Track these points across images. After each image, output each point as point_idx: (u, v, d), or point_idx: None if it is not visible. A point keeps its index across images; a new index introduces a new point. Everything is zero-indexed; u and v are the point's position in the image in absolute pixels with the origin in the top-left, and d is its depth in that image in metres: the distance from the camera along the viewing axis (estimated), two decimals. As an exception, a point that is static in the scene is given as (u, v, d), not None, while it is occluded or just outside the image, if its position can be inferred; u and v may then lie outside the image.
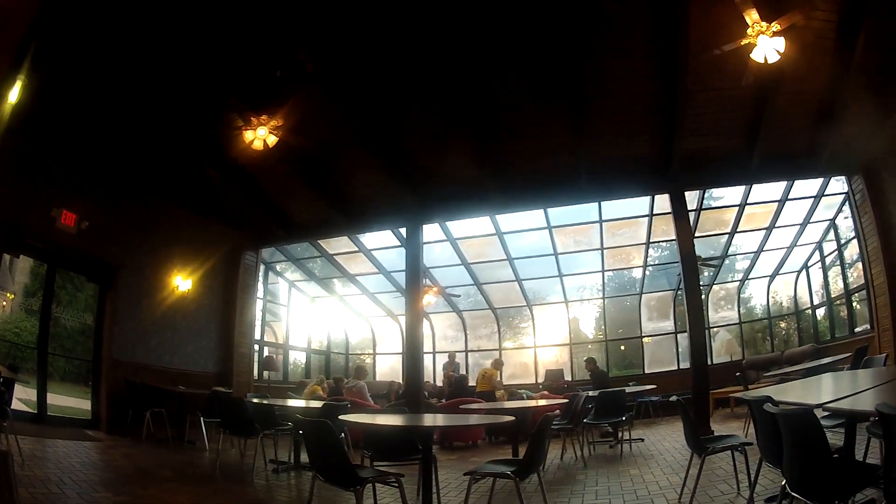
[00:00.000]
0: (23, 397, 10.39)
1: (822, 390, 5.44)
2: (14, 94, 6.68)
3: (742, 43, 7.41)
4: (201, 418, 10.38)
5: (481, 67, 9.36)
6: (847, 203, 12.64)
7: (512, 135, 10.99)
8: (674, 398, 6.73)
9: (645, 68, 9.36)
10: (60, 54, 7.90)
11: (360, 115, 10.45)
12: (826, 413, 3.85)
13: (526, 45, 9.03)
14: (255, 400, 9.85)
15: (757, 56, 7.37)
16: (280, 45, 8.76)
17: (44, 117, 9.10)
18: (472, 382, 15.75)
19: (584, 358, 16.35)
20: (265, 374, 16.89)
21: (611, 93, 9.88)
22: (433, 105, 10.35)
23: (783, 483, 3.80)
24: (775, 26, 7.14)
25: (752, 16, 7.14)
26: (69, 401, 12.24)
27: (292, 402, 10.46)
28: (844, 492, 3.43)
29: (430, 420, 7.28)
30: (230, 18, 8.17)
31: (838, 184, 13.22)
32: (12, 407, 8.36)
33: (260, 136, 9.08)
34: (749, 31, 7.29)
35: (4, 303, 16.48)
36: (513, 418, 6.57)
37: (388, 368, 22.34)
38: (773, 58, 7.33)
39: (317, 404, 9.20)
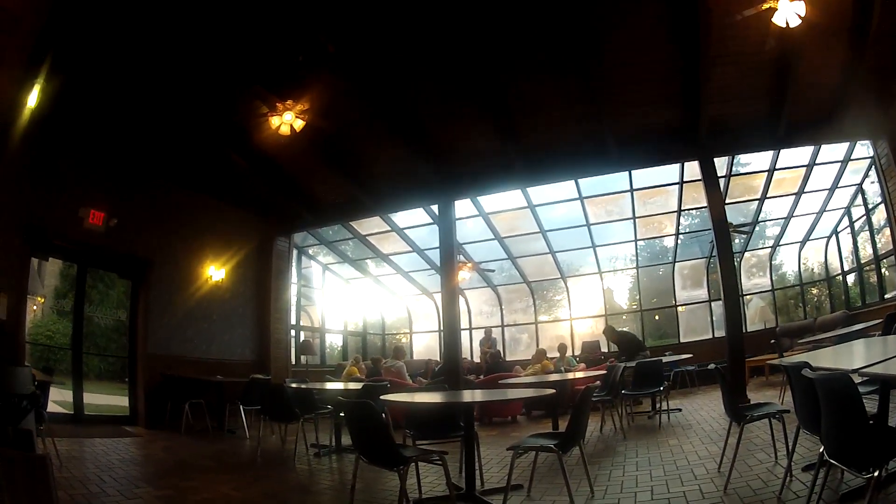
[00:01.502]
0: (59, 399, 10.45)
1: (856, 356, 5.35)
2: (33, 99, 6.62)
3: (763, 7, 7.22)
4: (240, 406, 10.38)
5: (497, 40, 9.19)
6: (873, 167, 12.34)
7: (533, 107, 10.85)
8: (711, 366, 6.59)
9: (665, 34, 9.18)
10: (80, 51, 7.88)
11: (381, 95, 10.36)
12: (859, 380, 3.70)
13: (542, 16, 8.83)
14: (294, 385, 9.81)
15: (778, 20, 7.15)
16: (300, 29, 8.64)
17: (66, 117, 9.12)
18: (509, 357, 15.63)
19: (602, 330, 15.87)
20: (302, 358, 16.90)
21: (631, 60, 9.68)
22: (453, 81, 10.24)
23: (821, 450, 3.70)
24: (796, -11, 6.93)
25: (773, -21, 6.95)
26: (106, 399, 12.33)
27: (331, 385, 10.39)
28: (880, 458, 3.30)
29: (470, 396, 7.17)
30: (249, 5, 8.06)
31: (864, 148, 13.00)
32: (49, 409, 8.39)
33: (287, 120, 9.00)
34: (770, -6, 7.09)
35: (35, 307, 16.63)
36: (553, 391, 6.42)
37: (424, 347, 22.35)
38: (795, 22, 7.13)
39: (356, 386, 9.11)
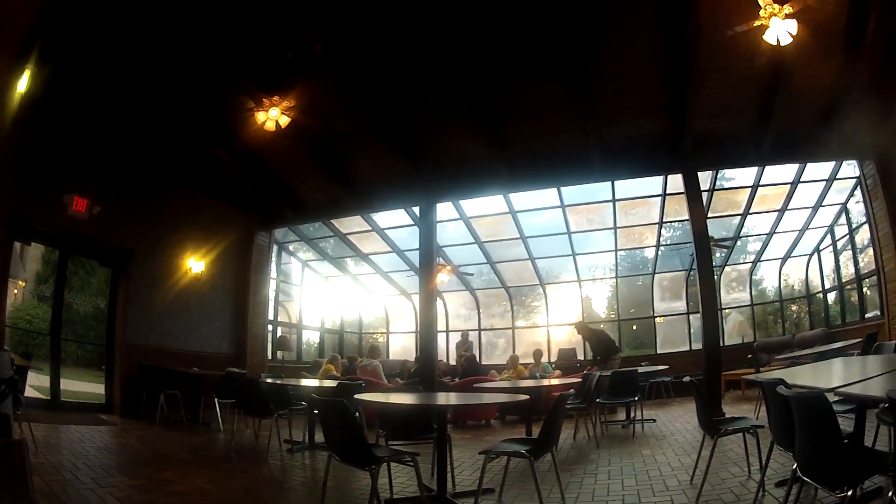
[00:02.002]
0: (36, 384, 10.43)
1: (834, 375, 5.41)
2: (23, 84, 6.66)
3: (754, 24, 7.32)
4: (216, 400, 10.40)
5: (487, 47, 9.29)
6: (858, 187, 12.50)
7: (520, 113, 10.92)
8: (686, 379, 6.68)
9: (654, 46, 9.27)
10: (69, 41, 7.88)
11: (369, 96, 10.45)
12: (836, 398, 3.80)
13: (532, 25, 8.93)
14: (270, 380, 9.86)
15: (769, 38, 7.27)
16: (289, 27, 8.70)
17: (53, 104, 9.08)
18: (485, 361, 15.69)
19: (575, 323, 15.84)
20: (279, 354, 16.92)
21: (620, 71, 9.78)
22: (441, 85, 10.33)
23: (794, 467, 3.77)
24: (787, 8, 7.04)
25: (764, -3, 7.07)
26: (83, 386, 12.28)
27: (306, 382, 10.45)
28: (854, 478, 3.39)
29: (445, 399, 7.25)
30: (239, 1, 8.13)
31: (850, 168, 13.09)
32: (25, 394, 8.40)
33: (272, 116, 9.07)
34: (761, 12, 7.20)
35: (16, 291, 16.53)
36: (528, 397, 6.51)
37: (401, 347, 22.34)
38: (786, 40, 7.26)
39: (331, 384, 9.17)
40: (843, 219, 15.54)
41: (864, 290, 14.83)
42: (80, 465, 6.58)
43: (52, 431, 8.38)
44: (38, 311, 14.98)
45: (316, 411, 7.78)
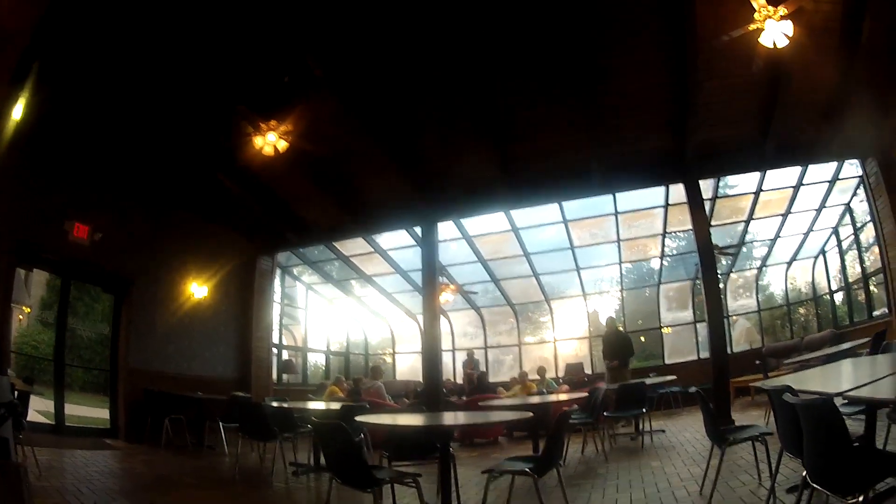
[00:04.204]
0: (41, 409, 10.44)
1: (843, 377, 5.34)
2: (18, 112, 6.71)
3: (750, 28, 7.30)
4: (220, 424, 10.35)
5: (490, 65, 9.32)
6: (862, 186, 12.46)
7: (523, 132, 10.93)
8: (693, 389, 6.64)
9: (654, 59, 9.29)
10: (67, 66, 7.94)
11: (370, 116, 10.47)
12: (846, 400, 3.76)
13: (535, 43, 8.98)
14: (275, 404, 9.84)
15: (765, 41, 7.26)
16: (287, 51, 8.75)
17: (52, 131, 9.16)
18: (492, 378, 15.64)
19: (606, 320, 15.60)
20: (284, 377, 16.90)
21: (621, 86, 9.82)
22: (444, 104, 10.35)
23: (804, 474, 3.72)
24: (782, 10, 7.03)
25: (758, 0, 7.04)
26: (88, 411, 12.34)
27: (311, 405, 10.43)
28: (864, 482, 3.34)
29: (447, 419, 7.22)
30: (237, 25, 8.17)
31: (852, 167, 13.07)
32: (29, 419, 8.41)
33: (270, 141, 9.09)
34: (756, 15, 7.18)
35: (21, 317, 16.60)
36: (530, 415, 6.48)
37: (408, 368, 22.23)
38: (782, 42, 7.22)
39: (336, 406, 9.18)
40: (847, 219, 15.54)
41: (872, 288, 14.77)
42: (83, 489, 6.57)
43: (56, 456, 8.37)
44: (42, 336, 15.07)
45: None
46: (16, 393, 7.17)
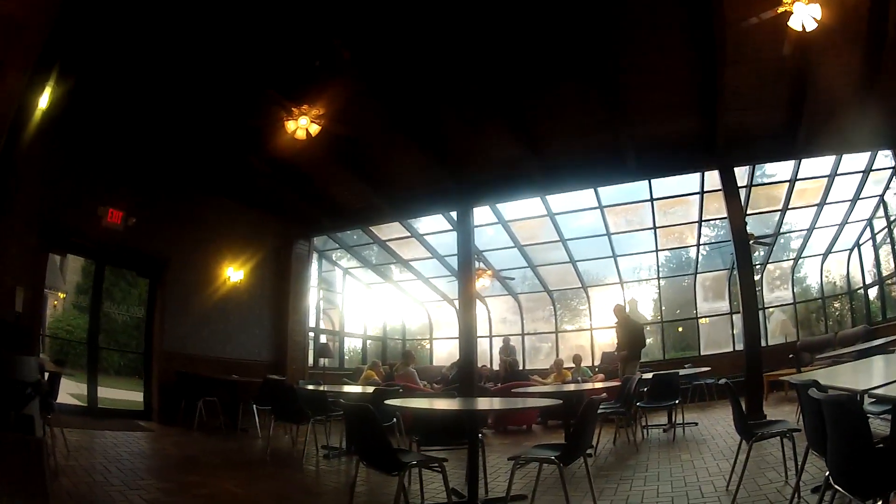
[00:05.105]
0: (75, 392, 10.56)
1: (873, 374, 5.21)
2: (44, 101, 6.74)
3: (778, 11, 7.07)
4: (254, 406, 10.39)
5: (514, 47, 9.16)
6: (895, 178, 12.11)
7: (552, 115, 10.79)
8: (723, 381, 6.51)
9: (682, 42, 9.02)
10: (98, 53, 8.00)
11: (400, 100, 10.40)
12: (873, 399, 3.61)
13: (563, 25, 8.79)
14: (310, 387, 9.86)
15: (794, 24, 7.04)
16: (316, 35, 8.70)
17: (85, 117, 9.23)
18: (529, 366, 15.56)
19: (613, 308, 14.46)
20: (320, 361, 16.96)
21: (648, 68, 9.54)
22: (471, 87, 10.19)
23: (826, 474, 3.60)
24: (810, -8, 6.83)
25: (787, -19, 6.84)
26: (122, 394, 12.49)
27: (345, 388, 10.45)
28: (884, 486, 3.19)
29: (477, 404, 7.15)
30: (267, 9, 8.12)
31: (886, 159, 12.71)
32: (62, 401, 8.50)
33: (302, 125, 9.06)
34: (785, -2, 6.98)
35: (56, 302, 16.85)
36: (560, 402, 6.38)
37: (447, 354, 22.10)
38: (811, 26, 6.99)
39: (369, 390, 9.17)
40: (881, 211, 15.19)
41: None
42: (112, 468, 6.64)
43: (87, 437, 8.48)
44: (77, 320, 15.26)
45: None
46: (46, 374, 7.22)
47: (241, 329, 13.50)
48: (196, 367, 11.42)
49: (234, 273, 13.25)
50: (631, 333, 12.74)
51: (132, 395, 12.12)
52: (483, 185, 12.89)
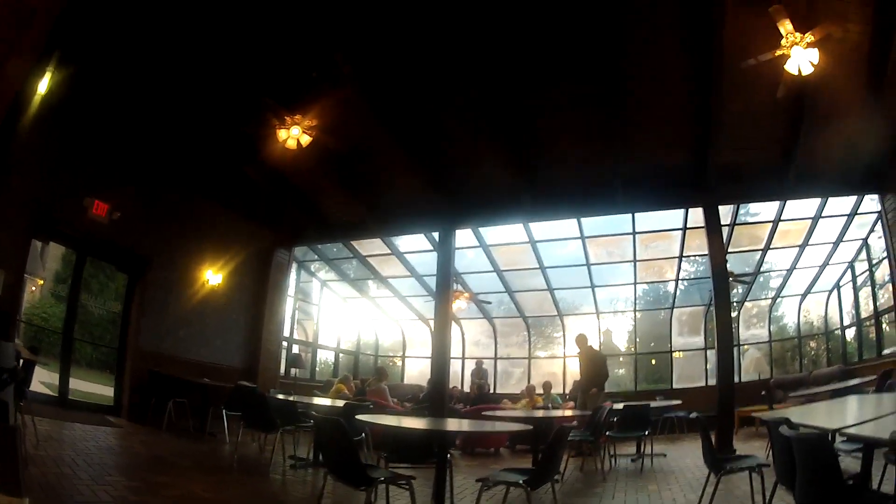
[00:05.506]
0: (46, 381, 10.50)
1: (846, 414, 5.29)
2: (43, 86, 6.79)
3: (776, 54, 7.27)
4: (223, 411, 10.38)
5: (517, 73, 9.31)
6: (880, 222, 12.32)
7: (546, 142, 10.96)
8: (693, 415, 6.61)
9: (680, 77, 9.25)
10: (96, 46, 8.04)
11: (396, 119, 10.52)
12: (844, 437, 3.72)
13: (562, 53, 8.95)
14: (280, 396, 9.86)
15: (791, 68, 7.22)
16: (317, 47, 8.80)
17: (79, 107, 9.25)
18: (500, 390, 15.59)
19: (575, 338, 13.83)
20: (292, 371, 16.92)
21: (646, 101, 9.78)
22: (469, 110, 10.35)
23: None
24: (809, 37, 7.01)
25: (786, 26, 7.00)
26: (93, 387, 12.42)
27: (316, 400, 10.46)
28: None
29: (447, 425, 7.21)
30: (268, 18, 8.21)
31: (872, 202, 12.83)
32: (34, 389, 8.47)
33: (293, 135, 9.15)
34: (783, 41, 7.15)
35: (34, 288, 16.76)
36: (530, 427, 6.46)
37: (418, 373, 22.09)
38: (808, 70, 7.19)
39: (339, 403, 9.20)
40: (863, 254, 15.38)
41: (884, 326, 14.58)
42: (80, 461, 6.61)
43: (57, 427, 8.43)
44: (55, 309, 15.18)
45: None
46: (21, 361, 7.21)
47: (217, 333, 13.42)
48: (169, 368, 11.31)
49: (212, 276, 13.18)
50: (593, 364, 12.54)
51: (103, 390, 12.06)
52: (471, 207, 12.94)
